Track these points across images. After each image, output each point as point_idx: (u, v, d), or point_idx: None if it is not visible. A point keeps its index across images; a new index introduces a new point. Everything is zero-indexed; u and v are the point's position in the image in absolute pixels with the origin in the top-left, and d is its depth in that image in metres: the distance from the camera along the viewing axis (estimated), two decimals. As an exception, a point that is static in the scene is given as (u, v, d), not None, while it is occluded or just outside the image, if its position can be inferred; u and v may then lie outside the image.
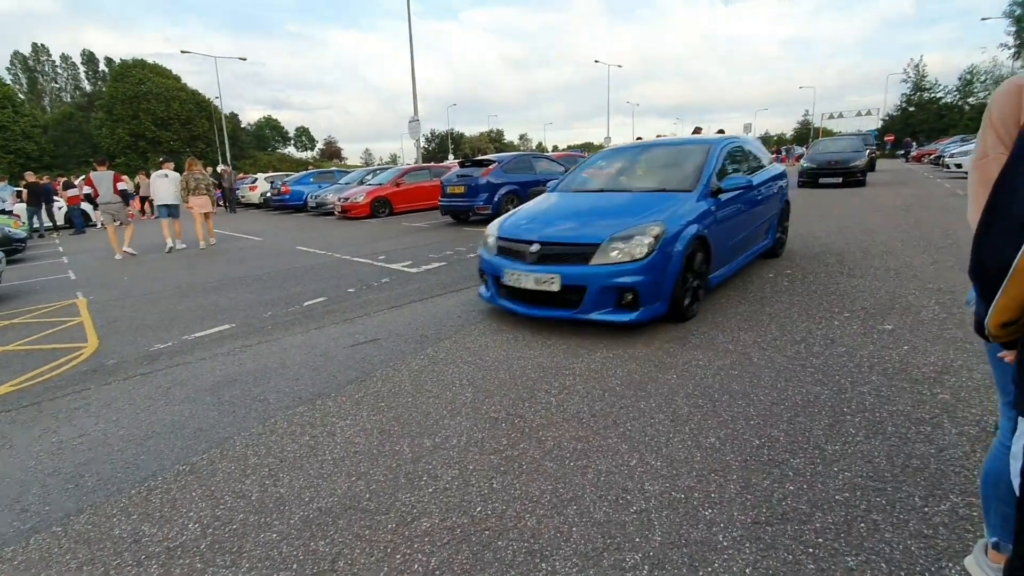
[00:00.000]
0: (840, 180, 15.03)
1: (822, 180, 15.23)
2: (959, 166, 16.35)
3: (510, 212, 4.94)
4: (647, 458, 2.31)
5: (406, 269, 6.86)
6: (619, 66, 53.06)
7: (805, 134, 61.79)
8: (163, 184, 10.02)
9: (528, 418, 2.72)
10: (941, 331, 3.57)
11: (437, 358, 3.62)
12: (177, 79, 55.42)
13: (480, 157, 14.90)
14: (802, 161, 16.71)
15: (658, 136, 15.26)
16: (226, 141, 35.00)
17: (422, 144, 23.32)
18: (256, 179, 22.21)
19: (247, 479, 2.33)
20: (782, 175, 6.17)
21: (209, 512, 2.12)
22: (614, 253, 3.70)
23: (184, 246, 10.14)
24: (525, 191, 11.04)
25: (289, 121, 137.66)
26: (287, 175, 22.53)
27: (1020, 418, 0.97)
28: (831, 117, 56.24)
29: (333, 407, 2.98)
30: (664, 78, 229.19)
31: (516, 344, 3.81)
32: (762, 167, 5.75)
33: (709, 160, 4.70)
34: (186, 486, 2.31)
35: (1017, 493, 1.00)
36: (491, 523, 1.96)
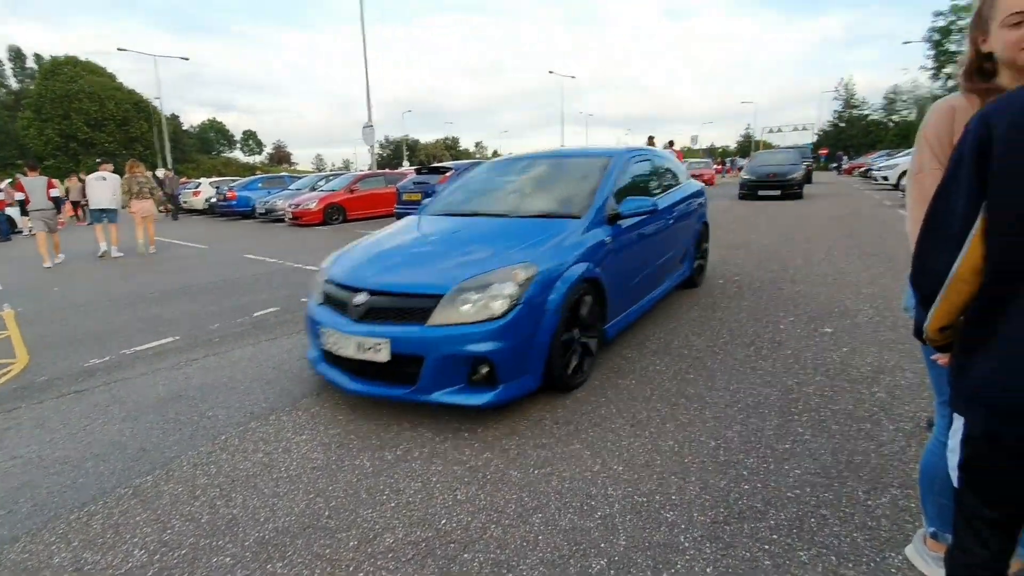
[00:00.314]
0: (779, 193, 15.57)
1: (761, 192, 15.74)
2: (886, 179, 17.54)
3: (353, 243, 3.84)
4: (610, 463, 2.34)
5: (362, 277, 6.72)
6: (572, 77, 54.44)
7: (747, 146, 64.91)
8: (100, 187, 9.44)
9: (491, 427, 2.71)
10: (876, 334, 3.82)
11: (397, 368, 3.56)
12: (112, 78, 52.39)
13: (436, 164, 14.83)
14: (742, 174, 17.24)
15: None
16: (166, 144, 33.32)
17: (376, 150, 22.98)
18: (200, 184, 21.24)
19: (196, 501, 2.21)
20: (699, 192, 5.43)
21: (156, 537, 2.00)
22: (464, 307, 2.68)
23: (121, 254, 9.55)
24: (482, 199, 11.07)
25: (235, 124, 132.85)
26: (233, 180, 21.68)
27: (955, 415, 1.05)
28: (771, 131, 59.28)
29: (288, 422, 2.87)
30: (616, 90, 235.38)
31: (477, 353, 3.79)
32: (676, 184, 5.01)
33: (606, 178, 3.76)
34: (129, 510, 2.17)
35: (955, 485, 1.08)
36: (456, 535, 1.94)
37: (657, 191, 4.52)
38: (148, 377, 3.62)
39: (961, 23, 33.07)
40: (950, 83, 35.01)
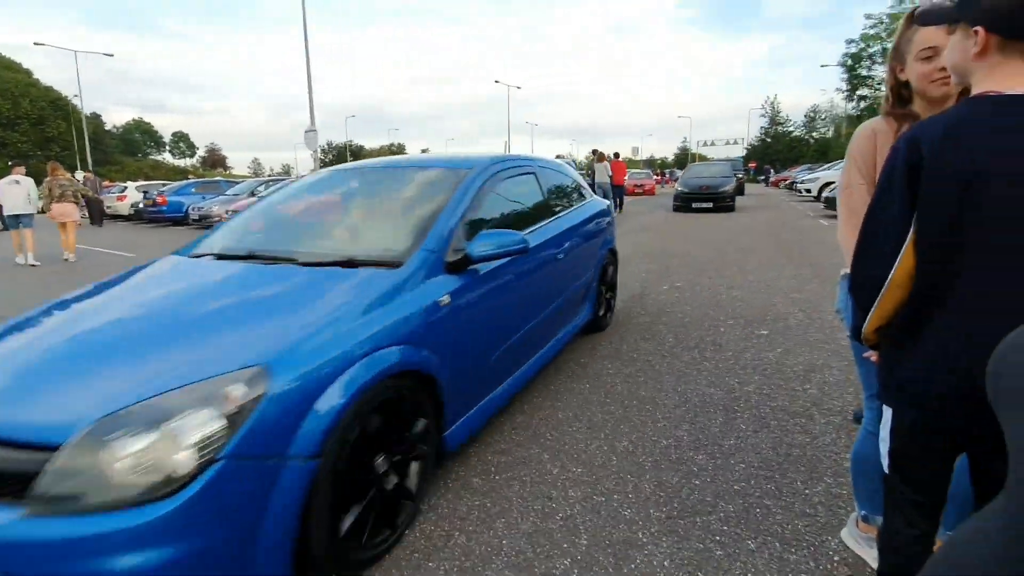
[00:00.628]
0: (711, 205, 15.77)
1: (695, 205, 15.93)
2: (808, 191, 18.90)
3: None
4: (568, 466, 2.40)
5: (308, 287, 6.51)
6: (518, 87, 55.24)
7: (684, 158, 68.05)
8: (14, 191, 8.76)
9: (450, 435, 2.71)
10: (806, 335, 4.11)
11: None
12: (28, 74, 48.41)
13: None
14: (676, 185, 17.46)
15: (557, 156, 16.01)
16: (87, 144, 31.00)
17: (319, 155, 22.35)
18: (125, 188, 19.90)
19: None
20: (603, 212, 4.33)
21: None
22: (118, 466, 1.31)
23: (38, 263, 8.79)
24: (431, 207, 10.95)
25: (165, 125, 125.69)
26: (163, 184, 20.47)
27: (884, 407, 1.18)
28: (705, 144, 62.52)
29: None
30: (561, 101, 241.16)
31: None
32: (572, 205, 3.84)
33: (452, 203, 2.50)
34: None
35: (886, 471, 1.21)
36: (420, 545, 1.93)
37: (542, 217, 3.30)
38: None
39: (871, 50, 36.25)
40: (862, 104, 38.27)
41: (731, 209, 15.87)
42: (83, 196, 14.72)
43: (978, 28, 1.01)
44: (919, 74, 1.42)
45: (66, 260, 9.17)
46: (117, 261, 9.15)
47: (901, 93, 1.53)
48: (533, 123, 78.34)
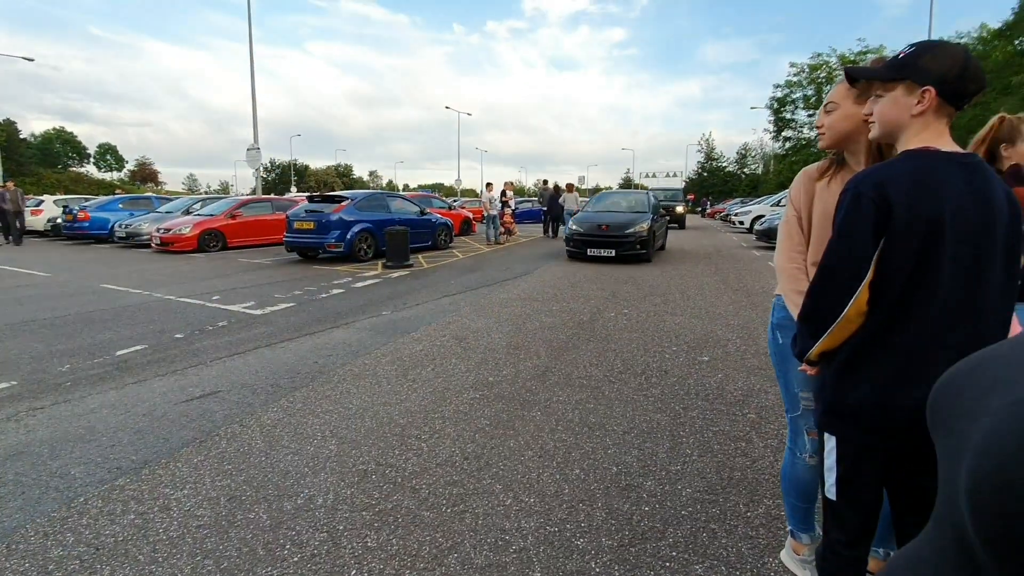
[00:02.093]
0: (612, 253, 10.29)
1: (591, 252, 10.48)
2: (742, 223, 20.11)
3: None
4: (521, 496, 2.39)
5: (249, 311, 6.22)
6: (469, 114, 55.84)
7: (628, 188, 70.81)
8: None
9: (400, 467, 2.64)
10: (743, 360, 4.32)
11: (293, 409, 3.34)
12: (-76, 72, 44.22)
13: (330, 192, 14.30)
14: (570, 223, 11.68)
15: (505, 184, 16.23)
16: (-3, 153, 28.52)
17: (261, 173, 21.59)
18: (42, 201, 18.41)
19: (48, 578, 1.87)
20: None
21: (-9, 630, 1.65)
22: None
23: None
24: (380, 230, 10.85)
25: (89, 136, 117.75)
26: (86, 199, 19.08)
27: (827, 436, 1.25)
28: (647, 176, 65.32)
29: (165, 476, 2.56)
30: (509, 129, 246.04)
31: (380, 389, 3.68)
32: None
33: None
34: (-47, 600, 1.78)
35: (832, 498, 1.27)
36: (368, 585, 1.85)
37: None
38: (-25, 432, 3.02)
39: (794, 96, 39.41)
40: (787, 144, 41.37)
41: (645, 260, 10.46)
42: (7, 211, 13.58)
43: (928, 88, 1.14)
44: (823, 123, 1.66)
45: None
46: (32, 280, 8.39)
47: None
48: (483, 150, 79.17)
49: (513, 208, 16.83)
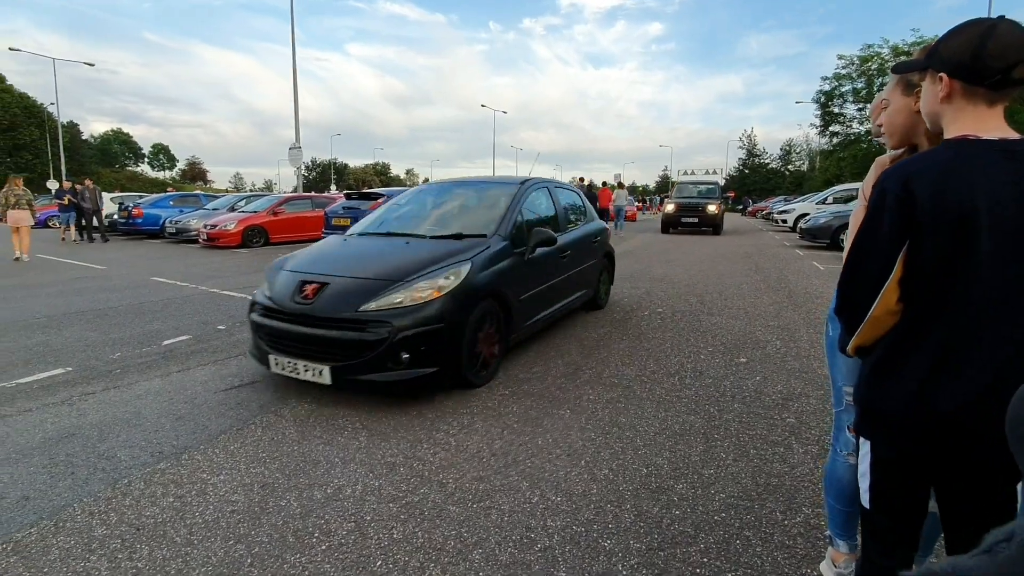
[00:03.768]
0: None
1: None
2: (784, 221, 19.41)
3: None
4: (548, 494, 2.35)
5: (286, 304, 6.39)
6: (504, 112, 55.88)
7: (665, 186, 69.44)
8: None
9: (428, 460, 2.65)
10: (784, 363, 4.16)
11: (326, 400, 3.40)
12: (1, 79, 47.47)
13: (367, 190, 14.58)
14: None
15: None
16: (61, 152, 30.33)
17: (302, 172, 22.21)
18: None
19: (92, 555, 1.96)
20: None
21: (39, 601, 1.74)
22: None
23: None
24: (414, 226, 10.93)
25: (144, 136, 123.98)
26: (140, 196, 20.08)
27: (862, 440, 1.18)
28: (685, 173, 63.90)
29: (203, 461, 2.64)
30: (544, 127, 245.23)
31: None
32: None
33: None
34: (9, 568, 1.88)
35: (866, 506, 1.20)
36: (393, 577, 1.85)
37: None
38: (33, 414, 3.20)
39: (843, 89, 37.75)
40: (835, 140, 39.65)
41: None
42: (77, 207, 14.22)
43: (942, 74, 1.07)
44: (873, 119, 1.62)
45: (17, 260, 10.33)
46: (89, 273, 8.88)
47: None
48: (518, 147, 79.16)
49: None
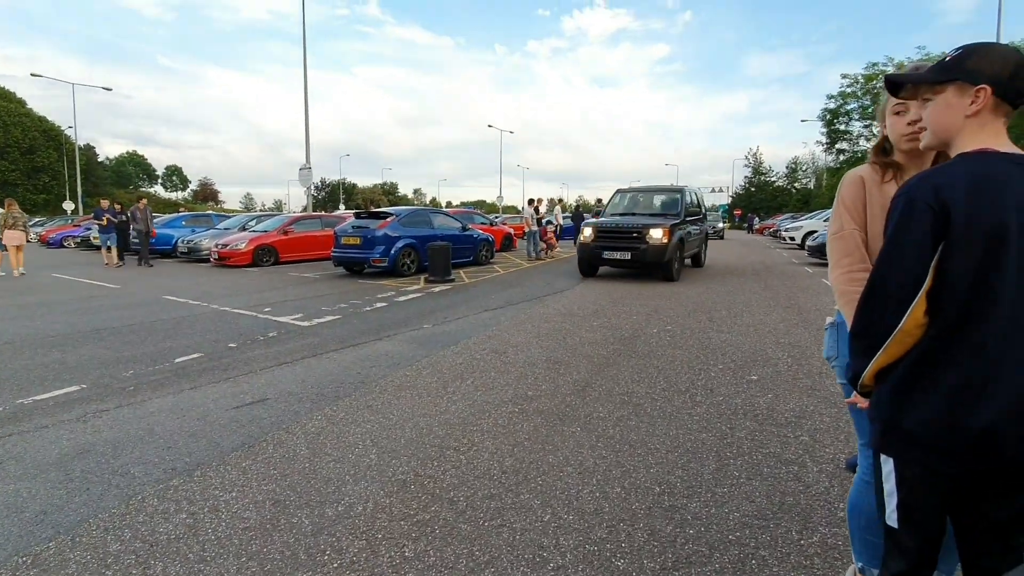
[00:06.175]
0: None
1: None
2: (792, 239, 19.37)
3: None
4: (560, 513, 2.34)
5: (297, 322, 6.45)
6: (511, 132, 56.37)
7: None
8: None
9: (438, 478, 2.64)
10: (795, 380, 4.13)
11: (336, 418, 3.41)
12: (21, 103, 48.82)
13: (376, 209, 14.74)
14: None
15: (549, 200, 16.30)
16: (78, 174, 30.99)
17: (312, 192, 22.53)
18: (114, 219, 19.77)
19: (107, 570, 1.97)
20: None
21: (55, 617, 1.75)
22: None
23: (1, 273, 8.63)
24: (423, 245, 11.07)
25: (157, 158, 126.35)
26: (154, 216, 20.38)
27: (883, 459, 1.17)
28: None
29: (215, 478, 2.66)
30: (550, 147, 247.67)
31: (420, 400, 3.72)
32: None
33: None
34: (22, 587, 1.90)
35: (895, 525, 1.18)
36: (406, 595, 1.84)
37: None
38: (49, 431, 3.24)
39: (848, 107, 37.95)
40: (841, 157, 39.71)
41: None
42: (127, 230, 13.91)
43: (983, 87, 1.09)
44: (892, 128, 1.55)
45: (19, 275, 11.46)
46: (103, 291, 9.01)
47: (884, 146, 1.66)
48: (524, 167, 79.87)
49: (559, 224, 16.86)
